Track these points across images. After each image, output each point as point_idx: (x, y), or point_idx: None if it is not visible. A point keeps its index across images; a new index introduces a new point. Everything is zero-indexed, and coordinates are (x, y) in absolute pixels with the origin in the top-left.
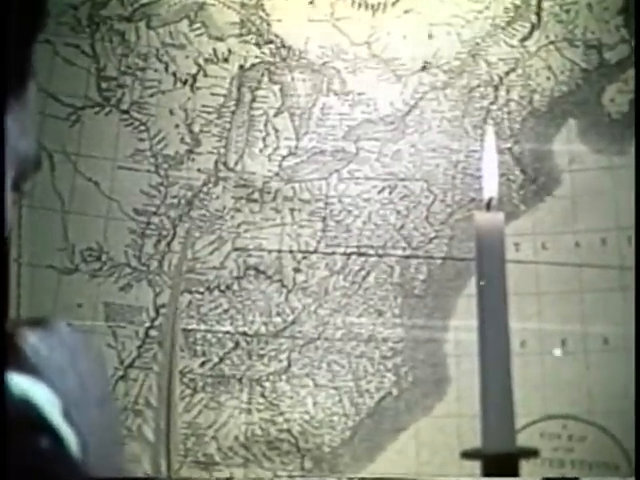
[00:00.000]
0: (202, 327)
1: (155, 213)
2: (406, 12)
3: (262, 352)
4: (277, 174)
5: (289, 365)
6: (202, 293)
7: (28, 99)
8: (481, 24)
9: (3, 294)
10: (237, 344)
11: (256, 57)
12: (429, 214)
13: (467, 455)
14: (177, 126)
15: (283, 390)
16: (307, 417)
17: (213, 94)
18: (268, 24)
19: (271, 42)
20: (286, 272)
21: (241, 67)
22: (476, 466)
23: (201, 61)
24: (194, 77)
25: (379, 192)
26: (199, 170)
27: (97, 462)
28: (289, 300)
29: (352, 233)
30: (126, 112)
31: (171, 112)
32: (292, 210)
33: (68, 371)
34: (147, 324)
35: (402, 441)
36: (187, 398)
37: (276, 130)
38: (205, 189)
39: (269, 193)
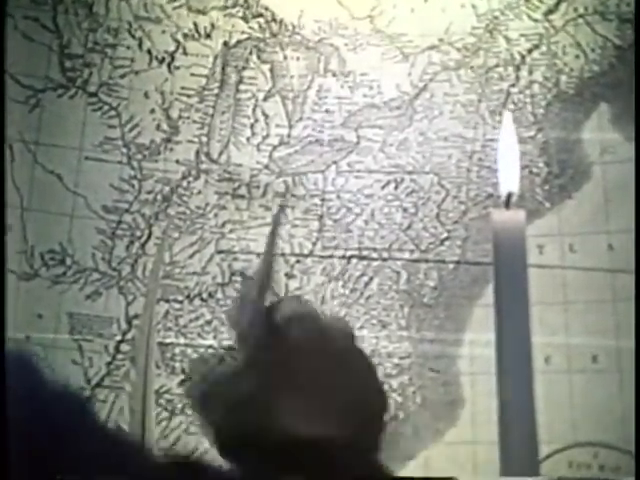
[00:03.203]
0: (181, 341)
1: (127, 210)
2: None
3: None
4: (267, 166)
5: None
6: (181, 302)
7: None
8: None
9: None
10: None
11: (243, 32)
12: (440, 212)
13: None
14: (153, 111)
15: None
16: None
17: (194, 75)
18: None
19: (260, 15)
20: (277, 278)
21: (226, 44)
22: None
23: (180, 37)
24: (172, 55)
25: (383, 187)
26: (178, 161)
27: None
28: None
29: (352, 234)
30: (94, 95)
31: (146, 95)
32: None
33: None
34: (118, 337)
35: (410, 471)
36: (164, 422)
37: (266, 116)
38: (184, 183)
39: (258, 188)
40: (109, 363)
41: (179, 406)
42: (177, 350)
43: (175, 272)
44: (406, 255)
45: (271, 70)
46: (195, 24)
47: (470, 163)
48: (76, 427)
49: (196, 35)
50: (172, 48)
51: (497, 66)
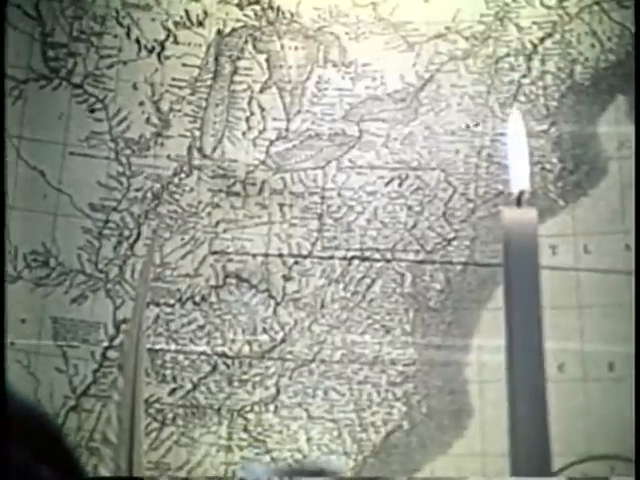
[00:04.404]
0: (172, 347)
1: (115, 209)
2: None
3: (245, 377)
4: (263, 162)
5: (278, 392)
6: (172, 306)
7: None
8: None
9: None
10: (215, 367)
11: (238, 20)
12: (447, 210)
13: None
14: (142, 104)
15: (270, 423)
16: (299, 455)
17: (185, 65)
18: None
19: (256, 2)
20: (274, 280)
21: (219, 32)
22: None
23: (171, 25)
24: (162, 44)
25: (387, 184)
26: (169, 157)
27: None
28: (278, 314)
29: (354, 233)
30: (79, 86)
31: (134, 86)
32: (282, 206)
33: None
34: (105, 343)
35: None
36: (154, 433)
37: (262, 109)
38: (176, 180)
39: (254, 185)
40: (96, 371)
41: (170, 416)
42: (168, 357)
43: (166, 274)
44: (411, 256)
45: (267, 60)
46: (187, 11)
47: (479, 159)
48: None
49: (188, 23)
50: (162, 37)
51: (507, 56)
